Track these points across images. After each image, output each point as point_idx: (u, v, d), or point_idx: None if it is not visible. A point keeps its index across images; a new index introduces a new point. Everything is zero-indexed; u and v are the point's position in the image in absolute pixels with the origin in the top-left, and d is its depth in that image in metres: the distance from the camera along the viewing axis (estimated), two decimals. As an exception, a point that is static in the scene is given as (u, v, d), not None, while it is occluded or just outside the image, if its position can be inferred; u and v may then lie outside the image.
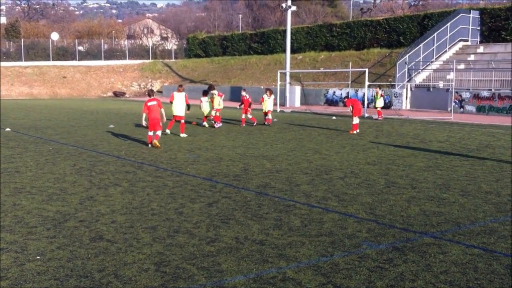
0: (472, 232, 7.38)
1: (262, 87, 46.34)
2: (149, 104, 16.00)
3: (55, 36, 66.81)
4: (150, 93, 16.71)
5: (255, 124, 23.60)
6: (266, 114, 23.86)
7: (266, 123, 23.90)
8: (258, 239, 7.01)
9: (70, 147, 16.26)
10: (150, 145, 16.16)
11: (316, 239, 7.00)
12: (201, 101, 22.67)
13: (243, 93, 23.63)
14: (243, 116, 23.68)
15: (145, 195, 9.57)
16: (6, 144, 16.86)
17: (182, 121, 19.21)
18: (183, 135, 18.99)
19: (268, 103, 23.62)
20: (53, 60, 63.10)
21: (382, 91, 28.86)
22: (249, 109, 23.65)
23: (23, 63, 61.05)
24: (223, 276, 5.70)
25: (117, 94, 58.78)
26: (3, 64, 59.99)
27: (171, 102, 19.13)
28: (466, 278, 5.69)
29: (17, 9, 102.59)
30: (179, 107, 18.97)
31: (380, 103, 28.15)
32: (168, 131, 19.34)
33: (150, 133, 16.21)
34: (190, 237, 7.08)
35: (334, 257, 6.31)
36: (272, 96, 23.99)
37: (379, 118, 27.70)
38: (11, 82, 57.66)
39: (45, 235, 7.15)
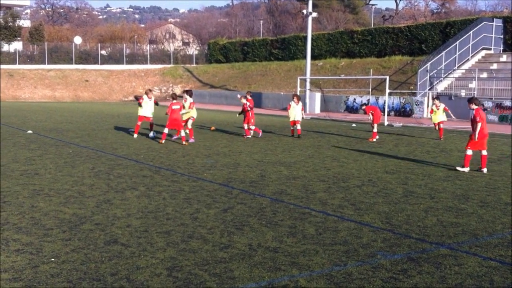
0: (490, 244, 7.26)
1: (282, 93, 46.35)
2: (173, 107, 18.14)
3: (78, 40, 67.65)
4: (174, 96, 18.87)
5: (260, 135, 20.87)
6: (294, 123, 21.31)
7: (293, 134, 21.44)
8: (271, 246, 6.98)
9: (90, 150, 16.42)
10: (163, 141, 18.27)
11: (330, 248, 6.95)
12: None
13: (243, 100, 20.85)
14: (245, 127, 20.79)
15: (161, 200, 9.61)
16: (27, 146, 17.09)
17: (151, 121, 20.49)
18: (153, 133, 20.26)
19: (296, 111, 21.14)
20: (75, 63, 63.88)
21: (440, 102, 21.73)
22: (250, 113, 20.53)
23: (46, 66, 61.91)
24: (234, 283, 5.68)
25: (138, 98, 59.30)
26: (27, 67, 60.97)
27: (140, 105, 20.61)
28: (481, 291, 5.59)
29: (41, 13, 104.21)
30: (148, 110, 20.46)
31: (441, 117, 21.38)
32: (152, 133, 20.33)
33: (166, 130, 18.29)
34: (203, 242, 7.08)
35: (348, 267, 6.25)
36: (300, 103, 21.52)
37: (440, 138, 21.62)
38: (34, 85, 58.51)
39: (61, 237, 7.22)
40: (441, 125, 21.53)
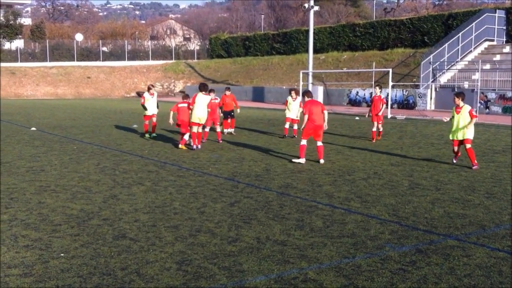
0: (497, 235, 7.26)
1: (284, 87, 46.27)
2: (179, 105, 15.94)
3: (79, 37, 67.63)
4: (185, 97, 16.59)
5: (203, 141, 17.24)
6: (292, 122, 19.06)
7: (287, 134, 19.04)
8: (279, 239, 6.99)
9: (94, 146, 16.44)
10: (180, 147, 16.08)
11: (338, 240, 6.96)
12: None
13: (212, 95, 17.36)
14: (218, 129, 18.08)
15: (167, 194, 9.63)
16: (32, 143, 17.12)
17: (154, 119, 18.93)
18: (154, 134, 18.89)
19: (292, 108, 18.77)
20: (77, 60, 63.85)
21: (463, 102, 13.22)
22: (217, 116, 18.10)
23: (48, 64, 61.89)
24: (244, 276, 5.70)
25: (140, 94, 59.25)
26: (29, 64, 60.99)
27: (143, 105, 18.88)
28: (490, 282, 5.60)
29: (42, 11, 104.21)
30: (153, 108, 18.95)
31: (469, 132, 13.01)
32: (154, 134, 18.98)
33: (186, 137, 16.10)
34: (211, 236, 7.10)
35: (356, 259, 6.26)
36: (299, 99, 18.57)
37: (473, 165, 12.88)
38: (36, 82, 58.52)
39: (69, 233, 7.24)
40: (468, 145, 12.79)
